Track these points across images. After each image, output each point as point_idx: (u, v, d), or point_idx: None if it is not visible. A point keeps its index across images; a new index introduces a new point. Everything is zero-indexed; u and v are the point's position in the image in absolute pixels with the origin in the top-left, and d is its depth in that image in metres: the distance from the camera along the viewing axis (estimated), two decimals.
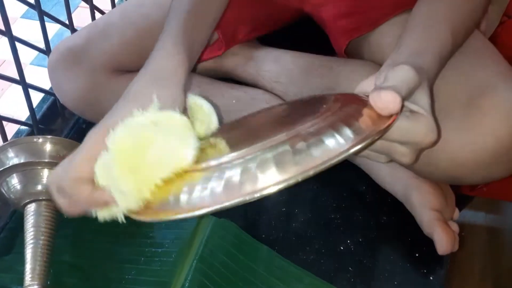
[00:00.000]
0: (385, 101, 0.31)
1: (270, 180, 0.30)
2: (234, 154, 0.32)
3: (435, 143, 0.35)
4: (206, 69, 0.65)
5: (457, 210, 0.55)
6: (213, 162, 0.33)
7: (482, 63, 0.45)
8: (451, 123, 0.42)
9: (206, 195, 0.31)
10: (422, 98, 0.35)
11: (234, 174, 0.31)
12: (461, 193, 0.73)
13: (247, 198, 0.29)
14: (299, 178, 0.29)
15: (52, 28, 1.32)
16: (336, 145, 0.30)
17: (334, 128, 0.31)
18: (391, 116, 0.32)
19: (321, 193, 0.61)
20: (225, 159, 0.32)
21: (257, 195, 0.29)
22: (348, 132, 0.30)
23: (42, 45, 0.66)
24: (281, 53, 0.63)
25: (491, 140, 0.41)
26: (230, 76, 0.67)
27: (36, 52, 0.66)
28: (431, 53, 0.40)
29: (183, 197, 0.32)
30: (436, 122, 0.35)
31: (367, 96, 0.34)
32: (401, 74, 0.34)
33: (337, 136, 0.30)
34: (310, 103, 0.40)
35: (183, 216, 0.32)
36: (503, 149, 0.41)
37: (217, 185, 0.31)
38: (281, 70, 0.61)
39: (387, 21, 0.54)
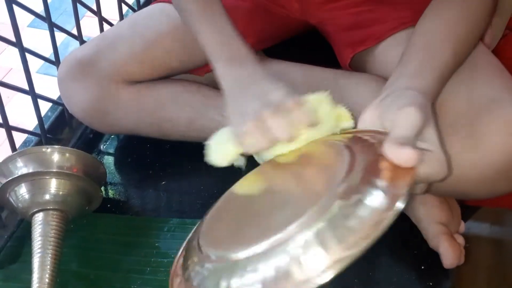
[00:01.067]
0: (405, 158, 0.31)
1: (320, 266, 0.27)
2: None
3: (448, 176, 0.35)
4: (213, 80, 0.66)
5: (462, 223, 0.56)
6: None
7: (487, 78, 0.45)
8: (458, 139, 0.43)
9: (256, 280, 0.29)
10: (430, 134, 0.35)
11: (282, 263, 0.28)
12: (465, 204, 0.73)
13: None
14: (352, 259, 0.27)
15: (59, 37, 1.34)
16: (373, 213, 0.28)
17: (363, 193, 0.29)
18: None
19: None
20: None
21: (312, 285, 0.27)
22: (381, 197, 0.29)
23: (48, 53, 0.66)
24: (286, 65, 0.64)
25: (496, 156, 0.41)
26: None
27: (42, 61, 0.67)
28: (432, 74, 0.40)
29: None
30: (446, 156, 0.35)
31: (371, 134, 0.34)
32: (409, 119, 0.34)
33: (371, 204, 0.28)
34: (324, 154, 0.38)
35: None
36: (508, 164, 0.41)
37: (267, 273, 0.28)
38: (286, 82, 0.61)
39: (392, 36, 0.55)
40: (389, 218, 0.27)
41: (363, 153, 0.33)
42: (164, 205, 0.64)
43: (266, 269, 0.28)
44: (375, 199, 0.29)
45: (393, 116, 0.34)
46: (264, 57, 0.68)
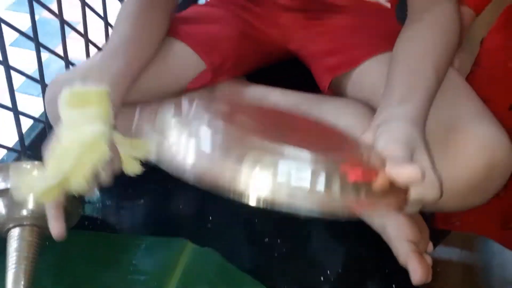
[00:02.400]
0: (408, 174, 0.33)
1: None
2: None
3: (440, 198, 0.36)
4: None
5: (430, 244, 0.58)
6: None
7: (458, 100, 0.49)
8: (431, 156, 0.46)
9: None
10: (421, 157, 0.37)
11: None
12: (435, 228, 0.76)
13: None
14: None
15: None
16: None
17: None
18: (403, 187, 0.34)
19: (302, 225, 0.63)
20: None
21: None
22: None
23: (28, 72, 0.67)
24: (269, 90, 0.66)
25: (465, 172, 0.44)
26: None
27: (22, 80, 0.67)
28: (419, 97, 0.43)
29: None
30: (439, 177, 0.36)
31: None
32: (401, 150, 0.35)
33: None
34: (335, 137, 0.40)
35: None
36: (476, 180, 0.44)
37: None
38: (268, 106, 0.64)
39: (367, 61, 0.58)
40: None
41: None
42: (142, 223, 0.64)
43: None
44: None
45: (382, 149, 0.36)
46: (246, 82, 0.71)
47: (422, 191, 0.35)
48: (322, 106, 0.60)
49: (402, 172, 0.33)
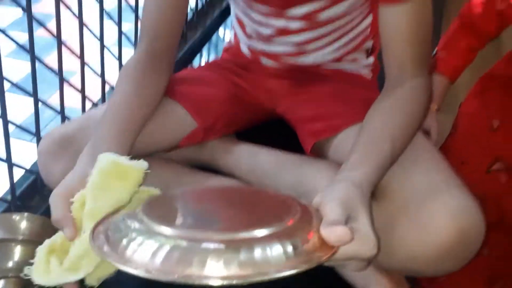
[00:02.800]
0: (336, 235, 0.37)
1: (213, 272, 0.32)
2: (193, 231, 0.35)
3: (376, 255, 0.39)
4: (186, 158, 0.70)
5: None
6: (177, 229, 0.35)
7: (426, 170, 0.52)
8: (406, 222, 0.48)
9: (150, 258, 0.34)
10: (361, 216, 0.40)
11: (185, 252, 0.33)
12: (421, 287, 0.76)
13: (185, 280, 0.32)
14: (238, 282, 0.32)
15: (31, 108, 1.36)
16: (279, 261, 0.34)
17: (283, 246, 0.35)
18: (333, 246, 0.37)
19: (297, 280, 0.62)
20: (184, 231, 0.35)
21: (196, 281, 0.32)
22: (290, 249, 0.34)
23: (20, 119, 0.68)
24: (256, 149, 0.68)
25: (437, 239, 0.46)
26: (208, 166, 0.72)
27: (12, 127, 0.69)
28: (369, 166, 0.47)
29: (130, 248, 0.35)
30: (375, 235, 0.39)
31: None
32: (332, 213, 0.39)
33: (283, 254, 0.34)
34: (278, 206, 0.43)
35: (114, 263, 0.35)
36: (448, 247, 0.46)
37: (167, 254, 0.33)
38: (255, 164, 0.66)
39: (347, 128, 0.62)
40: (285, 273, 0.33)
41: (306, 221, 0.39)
42: (140, 284, 0.63)
43: (175, 248, 0.34)
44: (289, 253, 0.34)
45: (322, 209, 0.40)
46: (235, 140, 0.74)
47: (358, 248, 0.38)
48: (304, 167, 0.62)
49: (332, 234, 0.37)
